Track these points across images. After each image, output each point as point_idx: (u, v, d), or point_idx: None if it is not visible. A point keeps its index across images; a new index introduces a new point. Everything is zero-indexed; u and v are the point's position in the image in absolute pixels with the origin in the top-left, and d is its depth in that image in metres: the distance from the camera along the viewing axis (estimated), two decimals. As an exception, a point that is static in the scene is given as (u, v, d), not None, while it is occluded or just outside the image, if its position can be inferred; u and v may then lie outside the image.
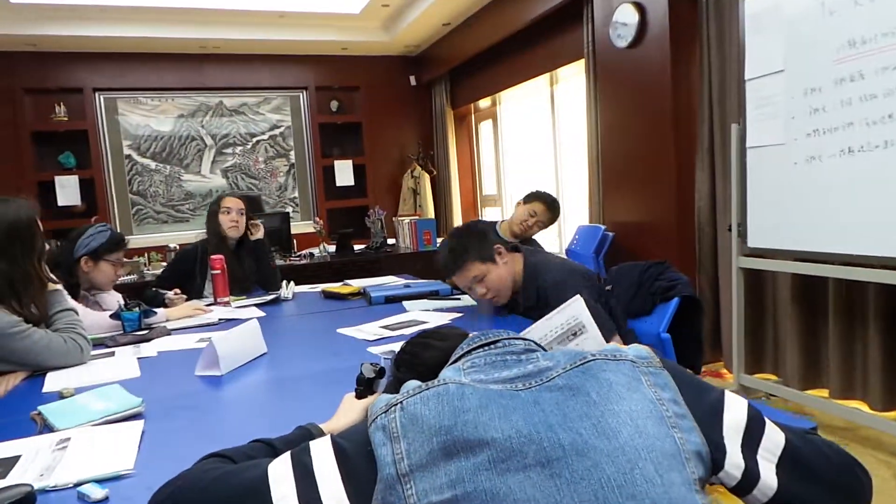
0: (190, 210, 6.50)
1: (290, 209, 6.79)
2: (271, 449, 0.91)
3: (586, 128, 4.46)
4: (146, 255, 4.74)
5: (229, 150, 6.61)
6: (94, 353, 1.90)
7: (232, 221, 3.02)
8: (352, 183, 6.90)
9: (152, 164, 6.38)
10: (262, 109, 6.70)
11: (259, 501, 0.73)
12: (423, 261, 4.66)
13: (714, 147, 3.49)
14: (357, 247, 4.93)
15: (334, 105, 6.88)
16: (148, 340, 2.06)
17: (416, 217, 5.01)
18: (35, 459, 1.10)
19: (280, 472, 0.75)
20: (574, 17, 4.49)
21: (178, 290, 2.81)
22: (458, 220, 6.86)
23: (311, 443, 0.79)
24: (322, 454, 0.76)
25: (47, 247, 1.83)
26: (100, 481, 1.00)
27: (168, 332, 2.16)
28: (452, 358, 0.89)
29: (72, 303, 2.31)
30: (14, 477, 1.04)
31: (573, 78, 5.11)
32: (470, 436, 0.69)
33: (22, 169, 5.84)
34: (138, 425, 1.23)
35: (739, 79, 2.97)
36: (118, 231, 2.65)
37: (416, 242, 4.70)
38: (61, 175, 5.97)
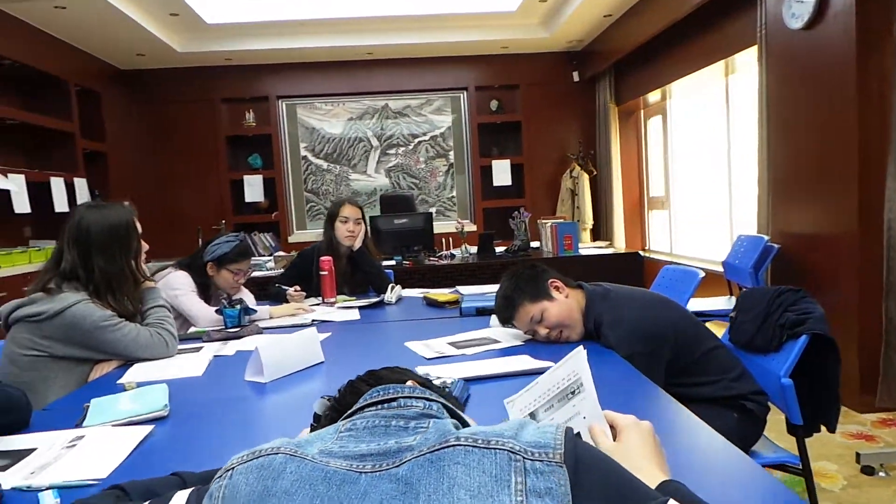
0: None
1: (447, 209, 6.91)
2: (183, 483, 0.86)
3: (757, 123, 3.89)
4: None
5: (393, 151, 6.89)
6: (184, 347, 2.05)
7: (348, 231, 3.11)
8: (509, 183, 6.82)
9: (324, 165, 6.87)
10: (424, 111, 6.88)
11: None
12: (560, 266, 4.42)
13: (912, 146, 2.83)
14: (500, 249, 4.84)
15: (494, 104, 6.85)
16: (238, 338, 2.16)
17: (559, 220, 4.77)
18: (42, 455, 1.17)
19: None
20: (748, -4, 3.94)
21: (297, 288, 2.96)
22: (619, 224, 6.45)
23: (178, 493, 0.73)
24: None
25: (145, 247, 2.00)
26: (65, 488, 1.03)
27: (260, 331, 2.26)
28: (348, 412, 0.76)
29: (198, 300, 2.54)
30: (11, 472, 1.11)
31: (749, 67, 4.49)
32: None
33: (218, 169, 6.65)
34: (144, 431, 1.27)
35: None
36: (245, 241, 2.79)
37: (557, 247, 4.48)
38: (249, 175, 6.69)
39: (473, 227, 6.77)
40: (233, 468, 0.65)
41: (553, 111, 6.81)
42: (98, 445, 1.20)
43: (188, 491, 0.72)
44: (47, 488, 1.03)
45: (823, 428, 1.80)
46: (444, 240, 5.40)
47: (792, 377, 1.75)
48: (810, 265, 3.39)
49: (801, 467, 1.74)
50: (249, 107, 6.67)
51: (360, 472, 0.61)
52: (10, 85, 5.07)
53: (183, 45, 5.98)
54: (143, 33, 5.37)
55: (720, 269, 3.98)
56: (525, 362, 1.62)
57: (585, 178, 6.55)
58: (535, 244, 4.99)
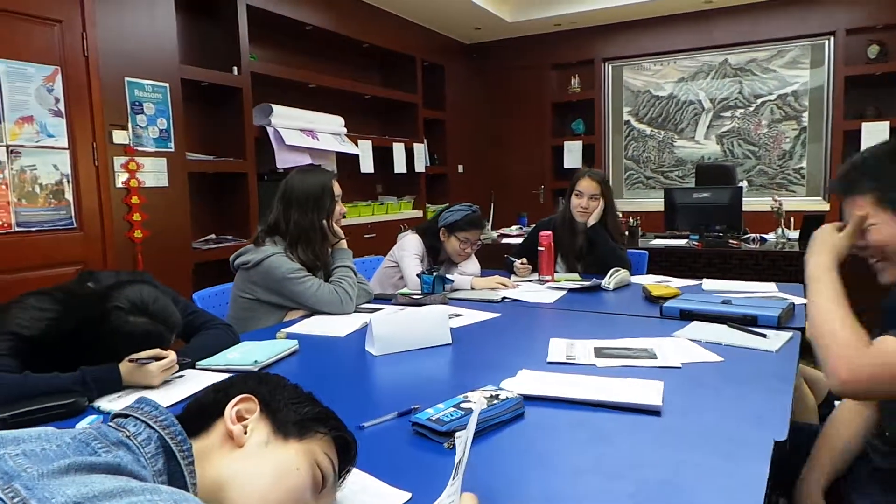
0: (678, 177, 6.27)
1: (792, 182, 5.76)
2: None
3: None
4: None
5: (727, 114, 6.00)
6: (367, 306, 2.18)
7: (581, 207, 2.88)
8: (885, 152, 5.27)
9: (647, 130, 6.40)
10: (773, 65, 5.77)
11: None
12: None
13: None
14: (831, 237, 3.82)
15: (872, 51, 5.32)
16: (419, 305, 2.20)
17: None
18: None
19: None
20: None
21: (524, 260, 2.86)
22: None
23: None
24: None
25: (341, 209, 2.17)
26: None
27: (444, 301, 2.25)
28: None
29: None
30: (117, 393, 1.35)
31: None
32: None
33: (542, 134, 6.80)
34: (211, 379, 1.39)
35: None
36: (478, 213, 2.75)
37: (909, 241, 3.30)
38: (569, 140, 6.67)
39: (825, 206, 5.50)
40: None
41: (967, 54, 4.97)
42: (180, 385, 1.38)
43: None
44: (110, 414, 1.22)
45: None
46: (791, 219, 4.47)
47: None
48: None
49: None
50: (575, 72, 6.59)
51: None
52: (371, 64, 6.02)
53: (513, 15, 6.20)
54: (476, 8, 5.74)
55: None
56: (640, 393, 1.26)
57: None
58: (888, 234, 3.78)
